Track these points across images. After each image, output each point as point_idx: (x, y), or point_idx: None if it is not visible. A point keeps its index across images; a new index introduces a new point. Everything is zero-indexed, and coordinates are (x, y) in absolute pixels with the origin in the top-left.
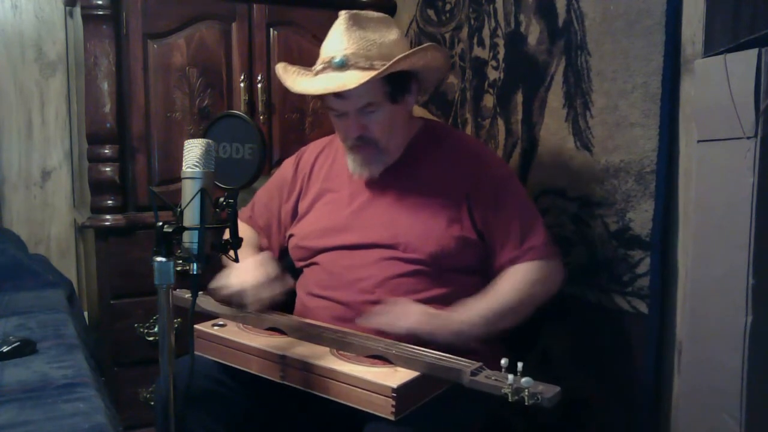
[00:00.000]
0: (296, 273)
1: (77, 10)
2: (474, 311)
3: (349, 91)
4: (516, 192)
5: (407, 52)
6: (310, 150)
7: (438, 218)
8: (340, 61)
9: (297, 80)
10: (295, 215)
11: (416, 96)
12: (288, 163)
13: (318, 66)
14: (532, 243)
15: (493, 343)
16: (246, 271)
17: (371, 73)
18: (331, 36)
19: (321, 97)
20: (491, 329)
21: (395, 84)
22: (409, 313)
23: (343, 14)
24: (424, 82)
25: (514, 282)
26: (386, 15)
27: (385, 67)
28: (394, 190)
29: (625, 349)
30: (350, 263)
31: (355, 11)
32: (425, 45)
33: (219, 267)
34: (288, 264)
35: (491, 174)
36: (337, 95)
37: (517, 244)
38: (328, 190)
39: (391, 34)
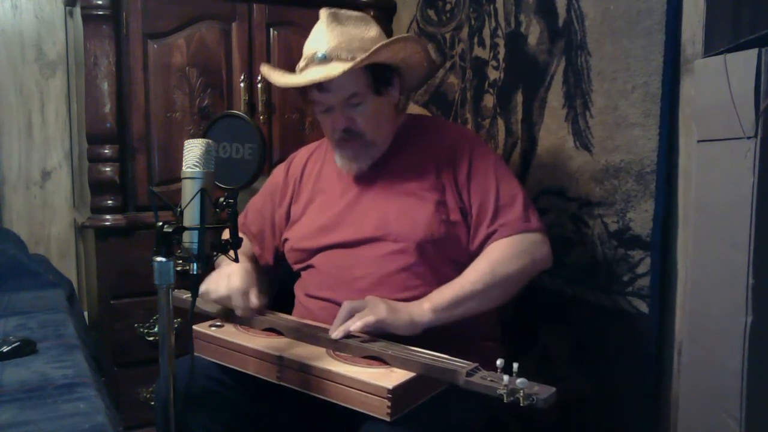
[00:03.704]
0: (294, 277)
1: (77, 10)
2: (432, 299)
3: (333, 83)
4: (491, 169)
5: (388, 41)
6: (300, 155)
7: (426, 204)
8: (322, 56)
9: (282, 77)
10: (288, 220)
11: (399, 90)
12: (279, 169)
13: (301, 63)
14: (506, 219)
15: (492, 342)
16: (231, 277)
17: (348, 65)
18: (313, 34)
19: (306, 94)
20: (449, 317)
21: (377, 76)
22: (370, 308)
23: (323, 12)
24: (406, 78)
25: (481, 265)
26: (365, 14)
27: (366, 54)
28: (382, 183)
29: (625, 349)
30: (346, 262)
31: (335, 9)
32: (405, 35)
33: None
34: (285, 270)
35: (467, 154)
36: (321, 89)
37: (489, 223)
38: (320, 192)
39: (371, 31)
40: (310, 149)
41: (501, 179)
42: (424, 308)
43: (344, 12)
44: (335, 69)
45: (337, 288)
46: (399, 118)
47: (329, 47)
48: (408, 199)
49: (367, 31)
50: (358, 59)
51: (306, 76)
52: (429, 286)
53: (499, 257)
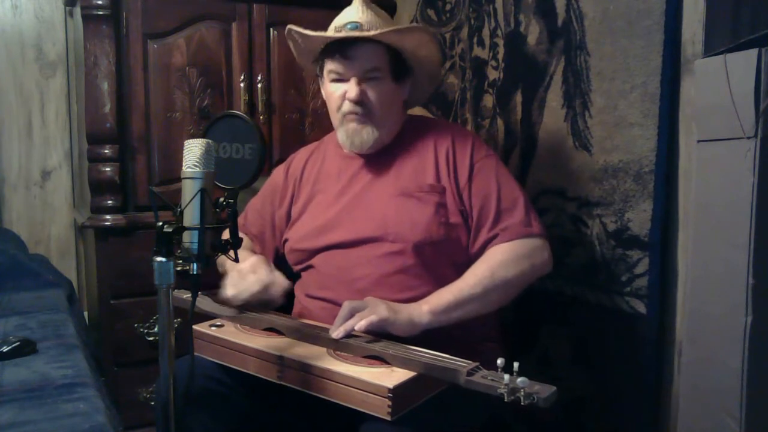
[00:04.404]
0: (295, 277)
1: (77, 10)
2: (428, 304)
3: (358, 52)
4: (492, 172)
5: (416, 24)
6: (299, 156)
7: (426, 205)
8: (355, 25)
9: (312, 34)
10: (289, 220)
11: (409, 91)
12: (278, 170)
13: (329, 32)
14: (507, 223)
15: (493, 343)
16: (243, 275)
17: (381, 30)
18: (345, 11)
19: (323, 63)
20: (447, 320)
21: (397, 61)
22: (372, 308)
23: None
24: (415, 84)
25: (481, 269)
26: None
27: (400, 27)
28: (381, 184)
29: (625, 349)
30: (345, 263)
31: None
32: (421, 26)
33: (213, 268)
34: (287, 271)
35: (468, 156)
36: (345, 56)
37: (491, 226)
38: (319, 192)
39: (392, 23)
40: (310, 149)
41: (502, 182)
42: (423, 310)
43: (374, 5)
44: (371, 33)
45: (337, 288)
46: (403, 116)
47: (363, 20)
48: (408, 201)
49: (390, 21)
50: (393, 28)
51: (341, 35)
52: (428, 287)
53: (499, 261)
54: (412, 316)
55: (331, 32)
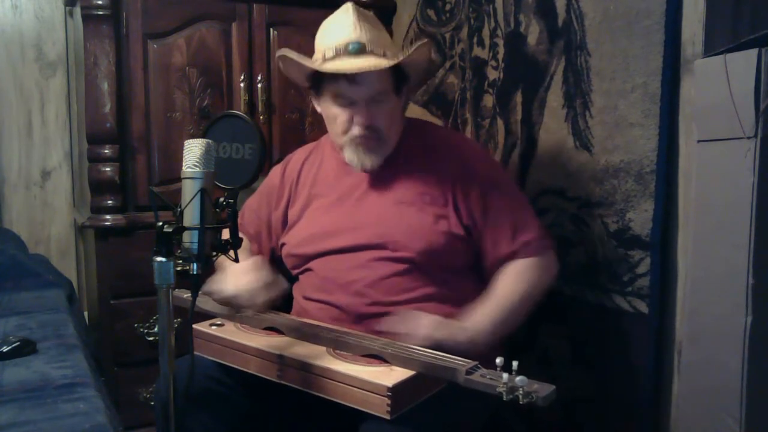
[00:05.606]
0: (292, 279)
1: (77, 10)
2: (483, 318)
3: (366, 77)
4: (504, 186)
5: (421, 43)
6: (296, 157)
7: (425, 215)
8: (356, 47)
9: (318, 64)
10: (285, 223)
11: (407, 95)
12: (275, 171)
13: (328, 53)
14: (527, 238)
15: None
16: (240, 275)
17: (394, 60)
18: (340, 24)
19: (324, 85)
20: (500, 333)
21: (399, 76)
22: (421, 324)
23: (349, 5)
24: (411, 84)
25: (514, 282)
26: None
27: (410, 52)
28: (381, 191)
29: (625, 349)
30: (342, 266)
31: (356, 5)
32: (426, 41)
33: (213, 268)
34: (283, 272)
35: (477, 169)
36: (353, 82)
37: (510, 240)
38: (317, 196)
39: (384, 32)
40: (308, 150)
41: (514, 198)
42: (483, 323)
43: (363, 10)
44: (381, 62)
45: (334, 291)
46: (403, 124)
47: (364, 39)
48: (407, 209)
49: (384, 32)
50: (392, 60)
51: (350, 63)
52: (425, 289)
53: (529, 277)
54: (475, 338)
55: (330, 52)
